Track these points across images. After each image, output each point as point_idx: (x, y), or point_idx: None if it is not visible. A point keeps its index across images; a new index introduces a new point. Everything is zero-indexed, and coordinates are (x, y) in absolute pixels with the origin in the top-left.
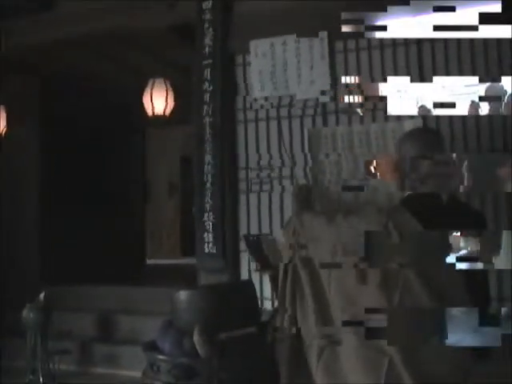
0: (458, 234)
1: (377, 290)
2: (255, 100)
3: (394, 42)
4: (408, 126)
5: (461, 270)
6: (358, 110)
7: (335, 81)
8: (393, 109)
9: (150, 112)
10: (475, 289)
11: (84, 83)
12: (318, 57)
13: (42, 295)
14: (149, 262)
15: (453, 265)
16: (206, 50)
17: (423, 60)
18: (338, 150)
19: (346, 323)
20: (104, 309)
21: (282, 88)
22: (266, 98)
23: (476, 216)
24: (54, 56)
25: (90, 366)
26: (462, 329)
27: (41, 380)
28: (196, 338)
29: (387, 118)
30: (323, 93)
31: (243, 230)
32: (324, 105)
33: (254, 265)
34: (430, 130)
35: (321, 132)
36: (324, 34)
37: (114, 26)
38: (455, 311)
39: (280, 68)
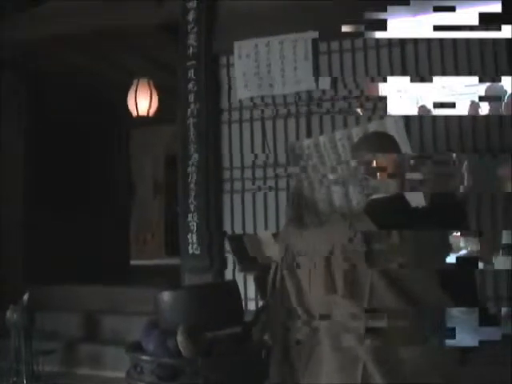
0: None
1: (344, 297)
2: (239, 101)
3: (386, 42)
4: (390, 124)
5: (437, 272)
6: (358, 110)
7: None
8: (393, 109)
9: (134, 112)
10: (461, 289)
11: (69, 82)
12: (302, 57)
13: (25, 296)
14: (133, 262)
15: (430, 265)
16: (191, 50)
17: (423, 60)
18: (323, 159)
19: (325, 329)
20: (88, 309)
21: (266, 89)
22: (251, 99)
23: (451, 212)
24: (39, 54)
25: (74, 366)
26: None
27: (25, 381)
28: (180, 338)
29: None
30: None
31: (227, 230)
32: (308, 105)
33: (237, 265)
34: (383, 134)
35: (303, 144)
36: (308, 35)
37: (100, 24)
38: (455, 311)
39: (264, 69)
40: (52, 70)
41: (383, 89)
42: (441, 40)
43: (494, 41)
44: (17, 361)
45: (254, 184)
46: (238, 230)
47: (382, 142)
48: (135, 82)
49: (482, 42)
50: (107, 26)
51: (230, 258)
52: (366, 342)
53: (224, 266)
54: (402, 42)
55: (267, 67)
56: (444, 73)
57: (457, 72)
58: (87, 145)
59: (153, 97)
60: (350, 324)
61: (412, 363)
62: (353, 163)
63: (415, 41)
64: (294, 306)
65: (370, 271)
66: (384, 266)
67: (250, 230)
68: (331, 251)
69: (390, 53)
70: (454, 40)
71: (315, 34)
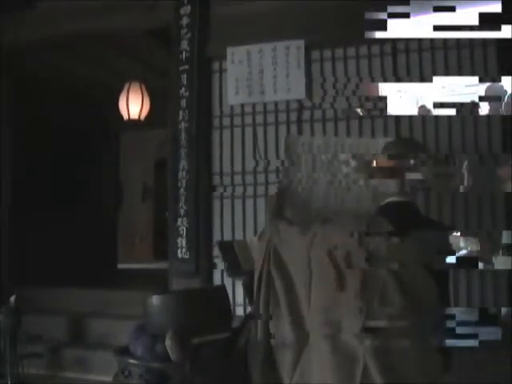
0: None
1: (356, 296)
2: (231, 106)
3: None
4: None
5: (432, 272)
6: (358, 110)
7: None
8: (393, 109)
9: (125, 116)
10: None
11: (60, 84)
12: (295, 65)
13: (12, 298)
14: (121, 265)
15: (425, 267)
16: (183, 55)
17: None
18: (316, 157)
19: (323, 329)
20: (75, 312)
21: (258, 95)
22: (242, 105)
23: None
24: (30, 56)
25: (60, 370)
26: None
27: None
28: (168, 342)
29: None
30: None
31: (217, 236)
32: (299, 112)
33: (226, 270)
34: (409, 140)
35: (298, 139)
36: (301, 43)
37: (92, 28)
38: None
39: (256, 75)
40: (41, 72)
41: (383, 89)
42: (432, 42)
43: (494, 41)
44: (1, 364)
45: (244, 190)
46: (228, 236)
47: (411, 145)
48: (127, 85)
49: (481, 42)
50: (99, 30)
51: (218, 262)
52: (369, 341)
53: (213, 270)
54: (394, 52)
55: (259, 73)
56: (436, 74)
57: (454, 72)
58: (77, 147)
59: (144, 100)
60: (353, 323)
61: (413, 364)
62: (353, 164)
63: (407, 49)
64: (281, 305)
65: (383, 271)
66: (389, 266)
67: (239, 234)
68: (338, 250)
69: (381, 61)
70: (445, 41)
71: (308, 41)
